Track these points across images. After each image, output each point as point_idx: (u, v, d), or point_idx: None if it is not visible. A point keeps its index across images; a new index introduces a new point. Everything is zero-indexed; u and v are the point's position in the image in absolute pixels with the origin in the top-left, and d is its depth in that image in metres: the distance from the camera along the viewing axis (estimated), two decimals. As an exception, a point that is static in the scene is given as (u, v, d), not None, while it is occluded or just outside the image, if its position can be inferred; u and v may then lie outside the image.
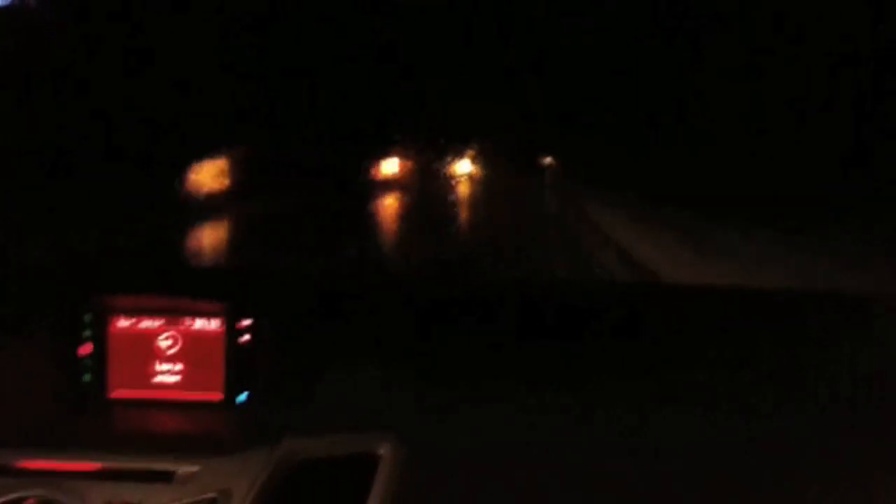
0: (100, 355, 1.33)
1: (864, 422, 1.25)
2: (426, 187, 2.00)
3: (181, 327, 1.33)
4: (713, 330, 1.41)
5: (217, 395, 1.32)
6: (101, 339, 1.33)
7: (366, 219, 1.99)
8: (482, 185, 2.09)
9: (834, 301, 1.46)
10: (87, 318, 1.33)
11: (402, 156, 2.04)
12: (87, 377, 1.32)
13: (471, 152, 2.10)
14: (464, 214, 2.04)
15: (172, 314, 1.34)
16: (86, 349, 1.33)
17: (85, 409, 1.31)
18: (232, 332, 1.32)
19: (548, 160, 2.31)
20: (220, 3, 1.79)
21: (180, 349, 1.33)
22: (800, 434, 1.24)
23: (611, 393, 1.31)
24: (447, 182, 2.01)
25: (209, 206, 1.73)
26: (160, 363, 1.34)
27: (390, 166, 2.04)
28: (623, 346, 1.37)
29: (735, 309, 1.46)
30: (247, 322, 1.32)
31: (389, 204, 2.05)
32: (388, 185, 2.04)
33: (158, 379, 1.34)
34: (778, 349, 1.35)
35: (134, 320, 1.34)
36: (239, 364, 1.32)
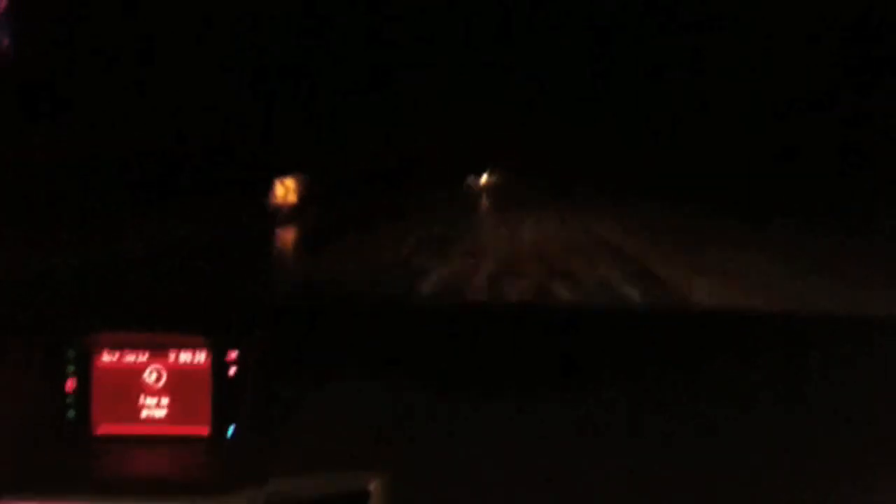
0: (84, 391, 1.30)
1: (864, 429, 1.24)
2: (419, 205, 1.98)
3: (166, 361, 1.31)
4: (715, 337, 1.38)
5: (204, 430, 1.29)
6: (85, 375, 1.30)
7: (353, 244, 1.96)
8: (484, 200, 2.06)
9: (835, 319, 1.45)
10: (71, 353, 1.30)
11: (391, 171, 2.01)
12: (71, 414, 1.30)
13: (470, 167, 2.07)
14: (464, 232, 2.01)
15: (157, 348, 1.31)
16: (70, 385, 1.30)
17: (70, 447, 1.29)
18: (218, 365, 1.29)
19: (555, 175, 2.28)
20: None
21: (166, 384, 1.31)
22: (799, 438, 1.23)
23: (611, 401, 1.28)
24: (444, 198, 1.98)
25: (193, 239, 1.70)
26: (146, 398, 1.31)
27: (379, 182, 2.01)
28: (625, 354, 1.34)
29: (738, 322, 1.44)
30: (233, 355, 1.29)
31: (378, 224, 2.02)
32: (377, 204, 2.01)
33: (144, 414, 1.31)
34: (780, 359, 1.32)
35: (118, 355, 1.31)
36: (225, 397, 1.29)
